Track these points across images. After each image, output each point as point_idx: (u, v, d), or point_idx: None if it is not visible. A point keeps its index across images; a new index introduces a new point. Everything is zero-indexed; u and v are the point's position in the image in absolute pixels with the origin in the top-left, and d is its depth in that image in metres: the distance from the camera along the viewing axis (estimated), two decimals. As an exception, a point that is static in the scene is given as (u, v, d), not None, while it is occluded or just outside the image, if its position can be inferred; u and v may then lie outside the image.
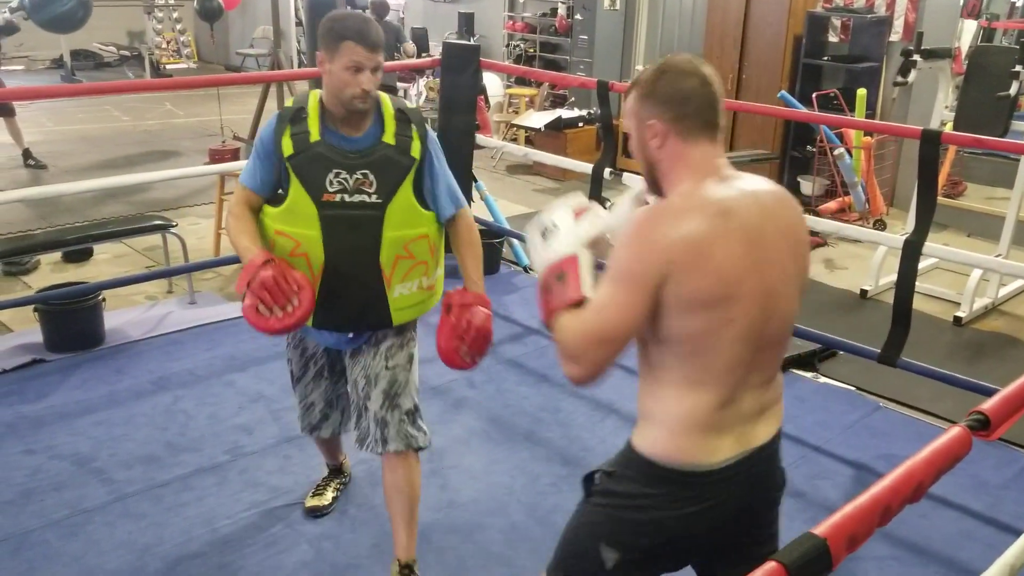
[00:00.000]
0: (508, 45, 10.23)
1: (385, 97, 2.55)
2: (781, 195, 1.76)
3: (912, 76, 5.50)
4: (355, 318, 2.61)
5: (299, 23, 11.33)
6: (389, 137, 2.49)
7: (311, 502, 3.19)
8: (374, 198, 2.46)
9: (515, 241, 5.71)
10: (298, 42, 10.89)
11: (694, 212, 1.60)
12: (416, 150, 2.51)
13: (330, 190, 2.45)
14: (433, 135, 2.58)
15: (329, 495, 3.23)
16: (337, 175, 2.45)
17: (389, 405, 2.65)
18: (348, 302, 2.55)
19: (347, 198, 2.46)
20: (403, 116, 2.53)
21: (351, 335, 2.67)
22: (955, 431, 1.27)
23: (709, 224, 1.58)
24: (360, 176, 2.46)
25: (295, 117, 2.47)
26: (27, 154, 7.89)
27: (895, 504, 1.10)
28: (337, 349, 2.75)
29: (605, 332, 1.63)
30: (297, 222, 2.46)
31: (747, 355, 1.64)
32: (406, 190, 2.50)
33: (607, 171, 4.81)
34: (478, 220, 5.59)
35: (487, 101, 8.81)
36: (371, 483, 3.33)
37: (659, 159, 1.71)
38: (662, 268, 1.57)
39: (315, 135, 2.45)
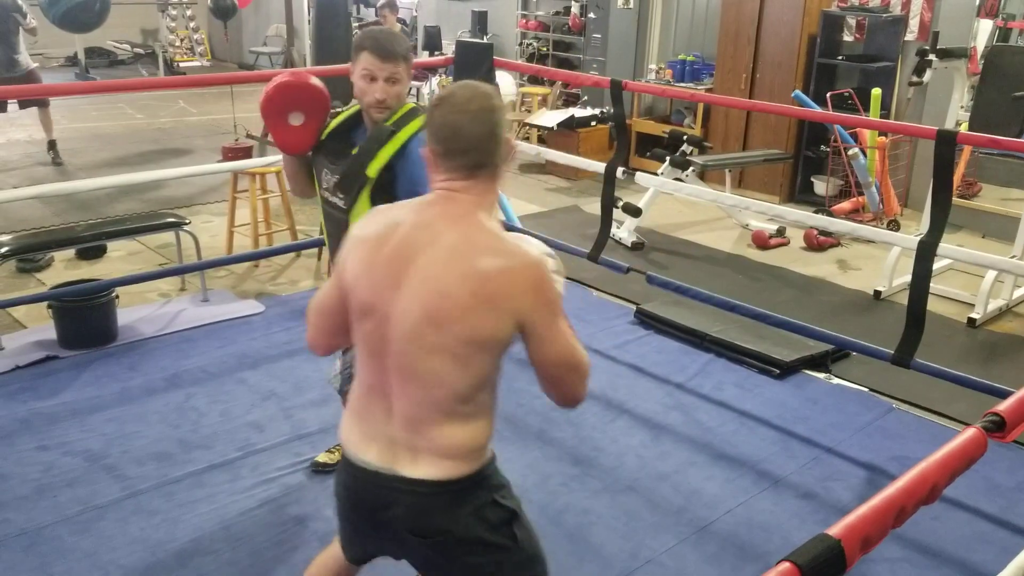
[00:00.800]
0: (521, 43, 10.22)
1: (406, 110, 2.59)
2: (472, 250, 1.71)
3: (927, 76, 5.46)
4: None
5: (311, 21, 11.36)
6: (356, 150, 2.58)
7: (321, 457, 3.36)
8: (341, 203, 2.62)
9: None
10: (311, 40, 10.92)
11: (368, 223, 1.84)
12: (373, 169, 2.52)
13: (323, 186, 2.70)
14: (413, 154, 2.44)
15: (338, 453, 3.20)
16: (327, 174, 2.67)
17: None
18: None
19: (329, 197, 2.68)
20: (387, 133, 2.53)
21: None
22: (970, 433, 1.26)
23: (363, 242, 1.80)
24: (336, 180, 2.63)
25: (336, 115, 2.73)
26: (52, 145, 7.94)
27: (910, 506, 1.09)
28: None
29: None
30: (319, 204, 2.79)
31: (371, 376, 1.81)
32: (363, 203, 2.53)
33: (620, 170, 4.80)
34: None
35: (500, 100, 8.81)
36: (382, 481, 3.33)
37: None
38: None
39: (329, 129, 2.71)
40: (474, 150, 1.75)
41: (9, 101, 8.00)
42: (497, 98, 1.81)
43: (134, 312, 4.73)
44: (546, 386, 1.83)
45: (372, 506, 1.85)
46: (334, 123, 2.73)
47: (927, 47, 5.54)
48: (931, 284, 3.67)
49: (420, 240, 1.73)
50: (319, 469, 3.34)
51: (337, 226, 2.60)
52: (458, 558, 1.84)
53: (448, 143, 1.74)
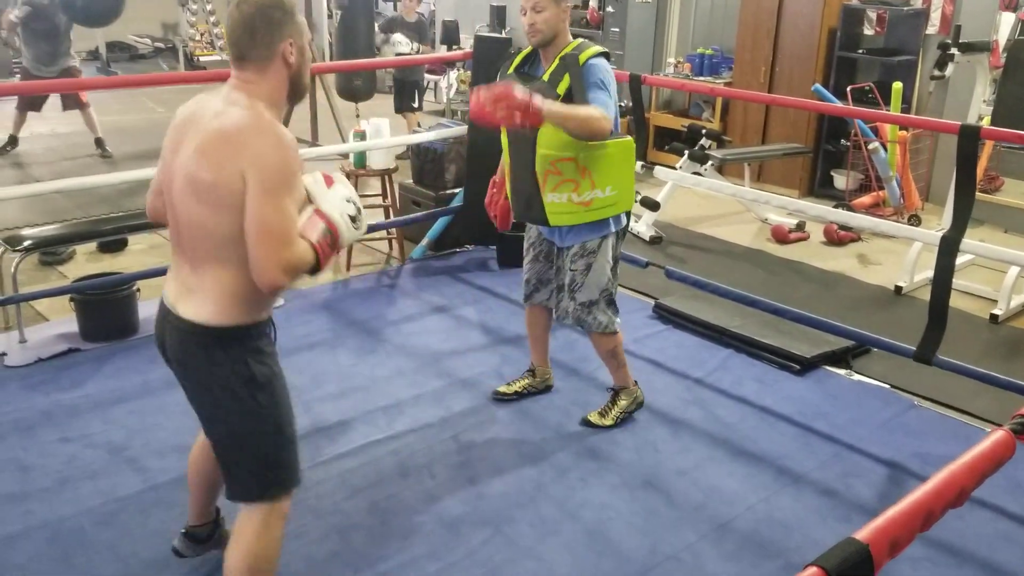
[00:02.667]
0: (539, 37, 10.19)
1: (573, 45, 3.24)
2: (221, 114, 2.07)
3: (949, 70, 5.42)
4: (524, 211, 3.45)
5: (330, 15, 11.36)
6: (546, 75, 3.23)
7: (500, 388, 3.93)
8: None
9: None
10: (330, 34, 10.92)
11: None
12: (562, 87, 3.17)
13: None
14: (594, 70, 3.15)
15: (516, 386, 3.94)
16: None
17: (569, 295, 3.48)
18: (519, 198, 3.43)
19: None
20: (565, 61, 3.19)
21: (551, 230, 3.47)
22: (999, 434, 1.24)
23: (170, 127, 2.21)
24: None
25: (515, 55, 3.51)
26: (99, 142, 8.03)
27: (937, 509, 1.09)
28: (550, 240, 3.54)
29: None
30: (503, 130, 3.35)
31: (172, 231, 2.23)
32: (549, 135, 3.14)
33: (638, 164, 4.77)
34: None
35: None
36: (401, 474, 3.34)
37: None
38: None
39: (511, 68, 3.44)
40: (234, 44, 2.11)
41: (45, 101, 8.10)
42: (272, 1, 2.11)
43: (155, 304, 4.73)
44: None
45: (159, 336, 2.33)
46: (516, 60, 3.44)
47: (949, 41, 5.50)
48: (953, 280, 3.64)
49: (197, 116, 2.11)
50: (499, 398, 3.90)
51: (523, 143, 3.27)
52: (204, 394, 2.25)
53: (226, 38, 2.14)
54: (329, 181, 2.21)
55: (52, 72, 7.65)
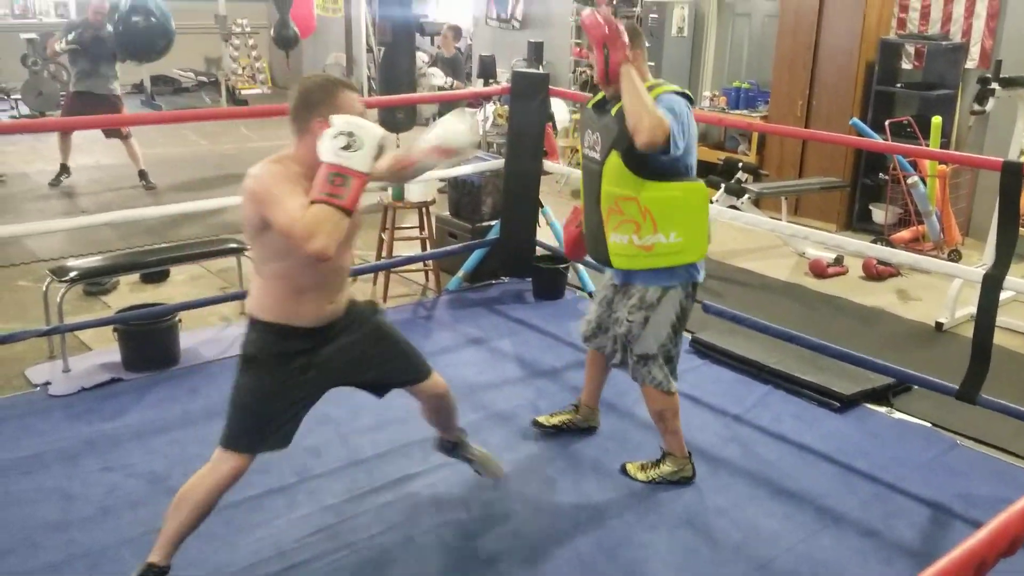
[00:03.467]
0: (575, 71, 10.27)
1: (648, 84, 3.13)
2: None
3: (990, 104, 5.38)
4: (592, 247, 3.42)
5: (370, 50, 11.53)
6: (615, 110, 3.14)
7: (540, 418, 3.90)
8: (598, 157, 3.23)
9: (580, 267, 5.70)
10: (368, 68, 11.08)
11: None
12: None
13: (584, 145, 3.37)
14: (665, 100, 3.05)
15: (556, 419, 3.89)
16: (588, 134, 3.34)
17: (624, 348, 3.39)
18: (589, 233, 3.41)
19: (588, 152, 3.33)
20: None
21: (615, 272, 3.40)
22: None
23: None
24: (595, 137, 3.27)
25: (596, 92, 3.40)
26: (143, 175, 8.18)
27: (990, 558, 1.07)
28: (614, 284, 3.47)
29: None
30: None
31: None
32: (615, 156, 3.12)
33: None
34: (543, 245, 5.63)
35: (554, 127, 8.85)
36: (437, 509, 3.34)
37: None
38: None
39: (591, 103, 3.39)
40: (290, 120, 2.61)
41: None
42: (315, 80, 2.59)
43: (196, 335, 4.82)
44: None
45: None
46: (599, 96, 3.33)
47: (988, 75, 5.46)
48: (996, 317, 3.59)
49: None
50: (537, 427, 3.89)
51: (592, 178, 3.30)
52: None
53: None
54: (324, 129, 2.41)
55: (95, 87, 7.80)
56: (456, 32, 9.06)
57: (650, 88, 3.08)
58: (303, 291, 2.61)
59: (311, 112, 2.50)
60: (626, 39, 3.02)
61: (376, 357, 2.95)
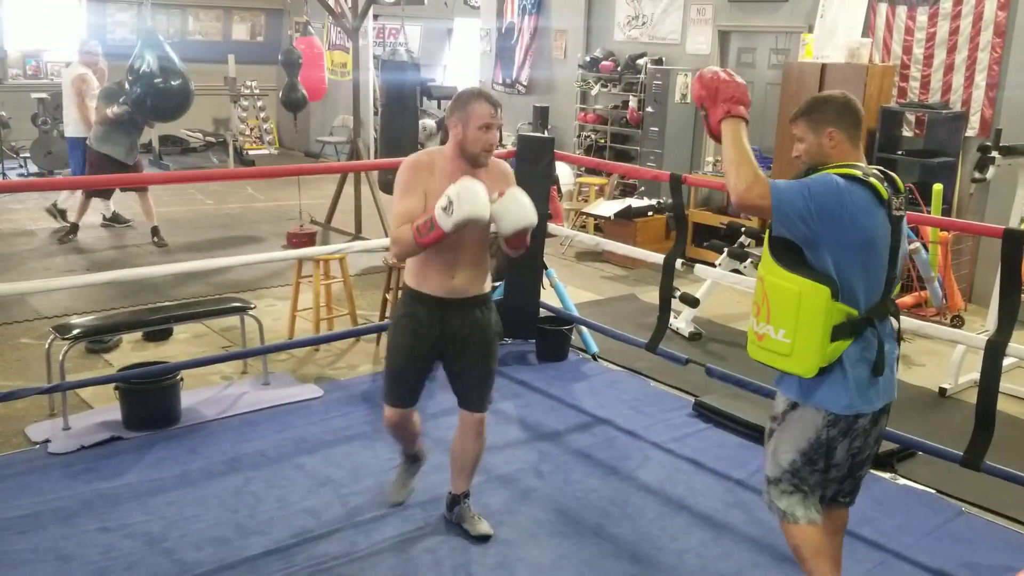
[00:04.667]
0: (579, 135, 10.40)
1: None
2: None
3: (990, 172, 5.43)
4: None
5: (377, 112, 11.68)
6: None
7: None
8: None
9: (584, 329, 5.70)
10: (375, 131, 11.21)
11: None
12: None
13: None
14: (808, 183, 2.62)
15: None
16: None
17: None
18: None
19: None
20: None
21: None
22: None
23: None
24: None
25: None
26: (155, 231, 8.24)
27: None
28: None
29: None
30: None
31: None
32: (766, 241, 2.77)
33: (679, 262, 4.81)
34: (547, 307, 5.63)
35: (559, 190, 8.93)
36: (436, 572, 3.29)
37: None
38: None
39: None
40: None
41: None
42: (464, 89, 3.31)
43: (197, 394, 4.81)
44: None
45: None
46: None
47: (988, 143, 5.51)
48: (1000, 383, 3.58)
49: None
50: None
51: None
52: None
53: None
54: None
55: (133, 160, 7.95)
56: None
57: (839, 166, 2.64)
58: (428, 265, 3.24)
59: (451, 113, 3.21)
60: (734, 93, 2.70)
61: (467, 360, 3.38)
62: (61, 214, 8.60)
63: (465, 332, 3.33)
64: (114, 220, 8.83)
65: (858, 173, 2.58)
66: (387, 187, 8.23)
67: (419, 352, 3.35)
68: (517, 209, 3.12)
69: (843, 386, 2.64)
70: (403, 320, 3.35)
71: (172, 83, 7.00)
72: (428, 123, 8.40)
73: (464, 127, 3.17)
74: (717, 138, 2.78)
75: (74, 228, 8.24)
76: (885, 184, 2.62)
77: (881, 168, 2.72)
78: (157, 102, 7.01)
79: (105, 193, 8.37)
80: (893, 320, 2.77)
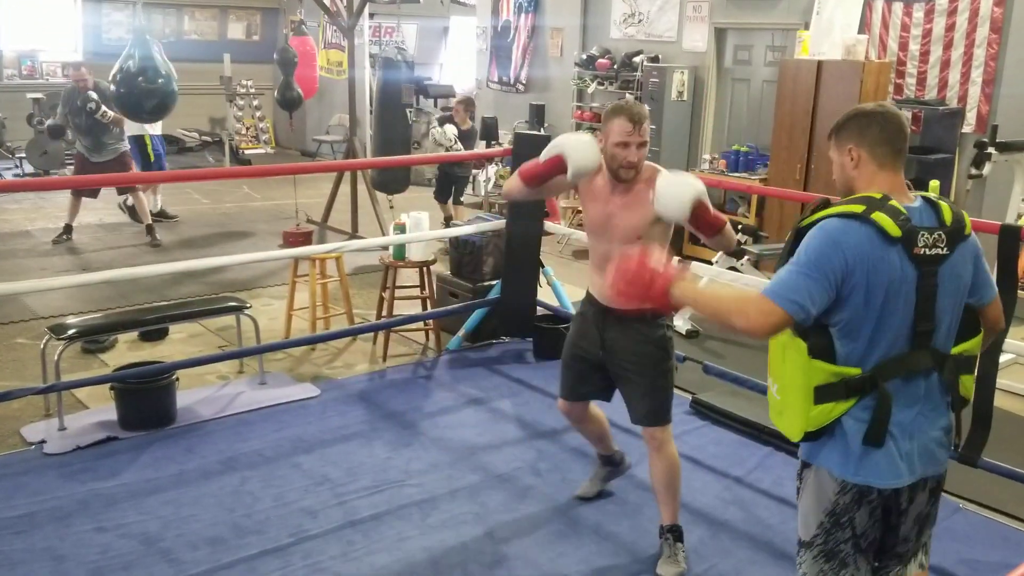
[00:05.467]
0: (576, 133, 10.38)
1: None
2: None
3: (987, 169, 5.43)
4: None
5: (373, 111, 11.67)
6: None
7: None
8: None
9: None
10: (372, 130, 11.20)
11: None
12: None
13: None
14: (808, 237, 2.17)
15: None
16: None
17: None
18: None
19: None
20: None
21: None
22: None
23: None
24: None
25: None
26: (149, 229, 8.27)
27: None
28: None
29: None
30: None
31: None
32: None
33: (675, 259, 4.79)
34: (544, 305, 5.63)
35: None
36: (435, 572, 3.29)
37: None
38: None
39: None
40: None
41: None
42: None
43: (193, 394, 4.80)
44: None
45: None
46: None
47: (985, 139, 5.52)
48: (996, 380, 3.57)
49: None
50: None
51: None
52: None
53: None
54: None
55: (104, 158, 7.92)
56: (467, 104, 9.13)
57: (846, 202, 2.19)
58: (592, 266, 3.35)
59: (601, 125, 3.25)
60: (659, 280, 2.29)
61: (627, 373, 3.32)
62: (130, 211, 8.70)
63: (621, 344, 3.28)
64: (161, 215, 8.91)
65: (858, 208, 2.12)
66: (379, 186, 8.23)
67: (580, 350, 3.40)
68: (674, 187, 3.06)
69: (844, 451, 2.22)
70: (576, 316, 3.50)
71: (157, 82, 6.98)
72: (440, 131, 8.39)
73: (605, 142, 3.17)
74: (675, 308, 2.42)
75: (67, 229, 8.22)
76: (910, 217, 2.12)
77: (927, 195, 2.23)
78: (141, 101, 6.98)
79: (92, 192, 8.35)
80: (936, 381, 2.23)
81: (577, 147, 3.18)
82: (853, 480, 2.22)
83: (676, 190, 3.06)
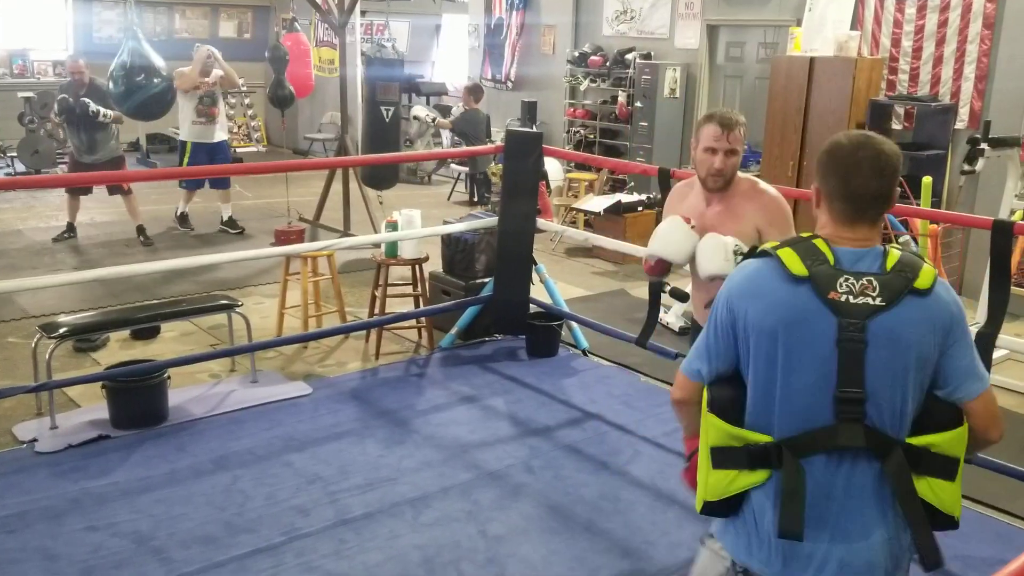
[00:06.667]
0: (568, 131, 10.38)
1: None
2: None
3: (980, 164, 5.43)
4: None
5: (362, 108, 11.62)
6: None
7: None
8: None
9: (574, 324, 5.69)
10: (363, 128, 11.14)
11: None
12: None
13: None
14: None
15: None
16: None
17: None
18: None
19: None
20: None
21: None
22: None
23: None
24: None
25: None
26: (140, 230, 8.21)
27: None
28: None
29: None
30: None
31: None
32: None
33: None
34: (537, 302, 5.62)
35: (548, 186, 8.91)
36: (427, 570, 3.28)
37: None
38: None
39: None
40: None
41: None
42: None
43: (185, 393, 4.78)
44: None
45: None
46: None
47: (978, 136, 5.52)
48: (991, 376, 3.57)
49: None
50: None
51: None
52: None
53: None
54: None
55: (98, 159, 7.88)
56: (471, 90, 9.18)
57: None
58: (693, 286, 3.27)
59: (695, 130, 3.07)
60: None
61: None
62: (181, 219, 8.66)
63: None
64: (181, 221, 8.73)
65: (771, 246, 1.89)
66: (370, 181, 8.21)
67: None
68: (701, 254, 3.02)
69: (750, 532, 1.91)
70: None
71: (155, 80, 6.97)
72: (421, 107, 8.35)
73: (694, 149, 3.04)
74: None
75: (70, 228, 8.19)
76: (835, 260, 1.80)
77: (894, 246, 1.87)
78: (141, 99, 6.96)
79: (84, 191, 8.30)
80: (873, 474, 1.82)
81: (667, 244, 3.12)
82: (755, 568, 1.90)
83: (703, 258, 3.01)
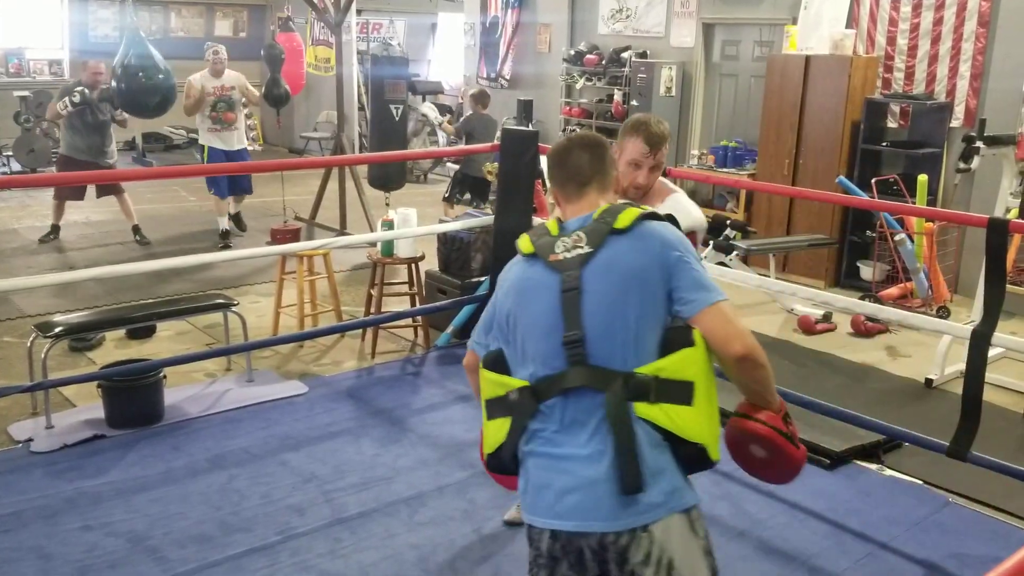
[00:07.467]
0: (564, 129, 10.37)
1: None
2: None
3: (975, 162, 5.44)
4: None
5: (361, 108, 11.62)
6: None
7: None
8: None
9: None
10: (360, 126, 11.14)
11: None
12: None
13: None
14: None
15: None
16: None
17: None
18: None
19: None
20: None
21: None
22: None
23: None
24: None
25: None
26: (136, 229, 8.19)
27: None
28: None
29: None
30: None
31: None
32: None
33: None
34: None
35: (544, 184, 8.88)
36: (423, 570, 3.28)
37: None
38: None
39: None
40: None
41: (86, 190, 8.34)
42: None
43: (181, 392, 4.77)
44: None
45: None
46: None
47: (974, 134, 5.52)
48: (985, 374, 3.58)
49: None
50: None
51: None
52: None
53: None
54: None
55: (103, 162, 7.86)
56: (476, 97, 9.04)
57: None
58: None
59: (619, 137, 2.96)
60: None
61: None
62: (235, 219, 8.60)
63: None
64: (232, 229, 8.53)
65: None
66: (375, 181, 8.18)
67: None
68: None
69: (522, 482, 2.04)
70: None
71: (157, 78, 6.94)
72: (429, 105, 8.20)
73: (618, 157, 2.88)
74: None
75: (54, 230, 8.16)
76: (560, 231, 2.05)
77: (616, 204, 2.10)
78: (141, 97, 6.95)
79: (77, 194, 8.26)
80: (598, 406, 1.91)
81: None
82: (527, 519, 2.03)
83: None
